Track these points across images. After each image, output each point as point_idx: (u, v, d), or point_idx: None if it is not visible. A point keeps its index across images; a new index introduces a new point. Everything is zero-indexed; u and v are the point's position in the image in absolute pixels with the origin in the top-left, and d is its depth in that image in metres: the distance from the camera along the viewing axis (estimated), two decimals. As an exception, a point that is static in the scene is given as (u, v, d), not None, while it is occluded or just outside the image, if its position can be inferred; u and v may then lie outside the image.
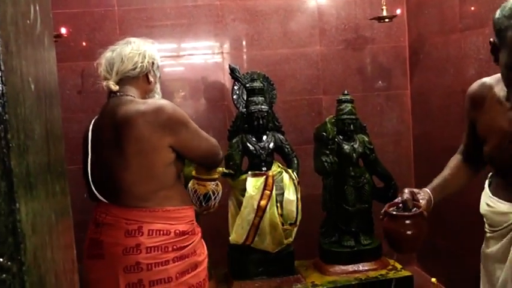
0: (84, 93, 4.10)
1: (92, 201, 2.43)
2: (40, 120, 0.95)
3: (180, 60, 4.32)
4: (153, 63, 2.47)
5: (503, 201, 2.07)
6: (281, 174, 3.60)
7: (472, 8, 3.65)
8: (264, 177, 3.49)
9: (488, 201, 2.14)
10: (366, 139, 3.86)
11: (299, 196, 3.58)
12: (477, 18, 3.58)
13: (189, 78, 4.34)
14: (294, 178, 3.60)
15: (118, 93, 2.38)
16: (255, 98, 3.65)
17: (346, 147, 3.76)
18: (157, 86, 2.53)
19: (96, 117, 2.45)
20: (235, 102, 3.80)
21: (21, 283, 0.81)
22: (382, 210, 2.13)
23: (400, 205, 2.09)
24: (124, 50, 2.42)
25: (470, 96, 2.24)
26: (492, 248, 2.11)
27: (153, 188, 2.31)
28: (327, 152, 3.60)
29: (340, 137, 3.77)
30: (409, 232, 2.03)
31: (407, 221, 2.02)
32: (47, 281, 0.95)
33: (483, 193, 2.22)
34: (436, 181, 2.24)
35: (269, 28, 4.35)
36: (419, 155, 4.62)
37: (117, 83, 2.41)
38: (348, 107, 3.76)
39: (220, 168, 2.89)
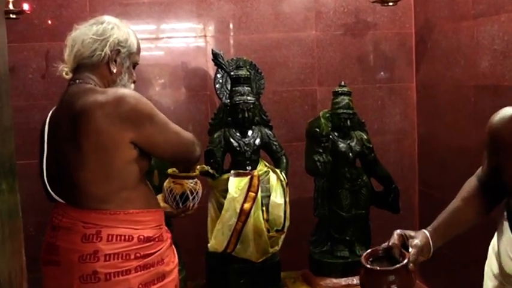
0: (48, 77, 4.07)
1: (50, 201, 2.41)
2: (-18, 108, 0.94)
3: (157, 44, 4.30)
4: (118, 51, 2.42)
5: None
6: (268, 174, 3.60)
7: (487, -8, 3.65)
8: (249, 177, 3.49)
9: None
10: (365, 137, 3.86)
11: (287, 199, 3.59)
12: (492, 3, 3.58)
13: (167, 64, 4.32)
14: (282, 179, 3.60)
15: (77, 81, 2.36)
16: (240, 88, 3.65)
17: (341, 145, 3.76)
18: (124, 77, 2.48)
19: (54, 107, 2.43)
20: (218, 92, 3.79)
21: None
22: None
23: (380, 252, 1.93)
24: (86, 33, 2.39)
25: (495, 132, 1.89)
26: None
27: (113, 188, 2.28)
28: (320, 150, 3.60)
29: (336, 133, 3.78)
30: None
31: (389, 277, 1.82)
32: (-14, 293, 0.94)
33: (506, 241, 1.93)
34: (442, 218, 1.99)
35: (259, 9, 4.34)
36: (424, 156, 4.63)
37: (75, 69, 2.39)
38: (345, 100, 3.76)
39: (200, 166, 2.88)
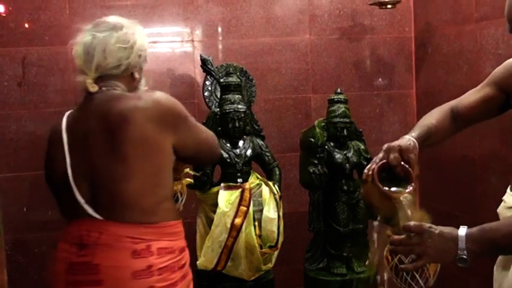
0: (25, 85, 4.05)
1: (65, 217, 2.40)
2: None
3: (141, 48, 4.30)
4: (140, 55, 2.45)
5: None
6: (260, 187, 3.62)
7: (491, -6, 3.69)
8: (240, 190, 3.50)
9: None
10: (362, 147, 3.87)
11: (281, 214, 3.60)
12: (496, 5, 3.61)
13: (152, 70, 4.30)
14: (276, 192, 3.62)
15: (103, 88, 2.36)
16: (230, 96, 3.66)
17: (338, 156, 3.77)
18: (142, 81, 2.55)
19: (69, 112, 2.43)
20: (207, 100, 3.80)
21: None
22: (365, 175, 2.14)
23: (387, 166, 2.14)
24: (108, 40, 2.36)
25: None
26: None
27: (159, 198, 2.35)
28: (315, 161, 3.61)
29: (331, 144, 3.78)
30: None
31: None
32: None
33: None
34: (420, 130, 2.31)
35: (249, 12, 4.36)
36: (425, 167, 4.63)
37: (97, 79, 2.37)
38: (341, 108, 3.77)
39: (188, 178, 2.91)
